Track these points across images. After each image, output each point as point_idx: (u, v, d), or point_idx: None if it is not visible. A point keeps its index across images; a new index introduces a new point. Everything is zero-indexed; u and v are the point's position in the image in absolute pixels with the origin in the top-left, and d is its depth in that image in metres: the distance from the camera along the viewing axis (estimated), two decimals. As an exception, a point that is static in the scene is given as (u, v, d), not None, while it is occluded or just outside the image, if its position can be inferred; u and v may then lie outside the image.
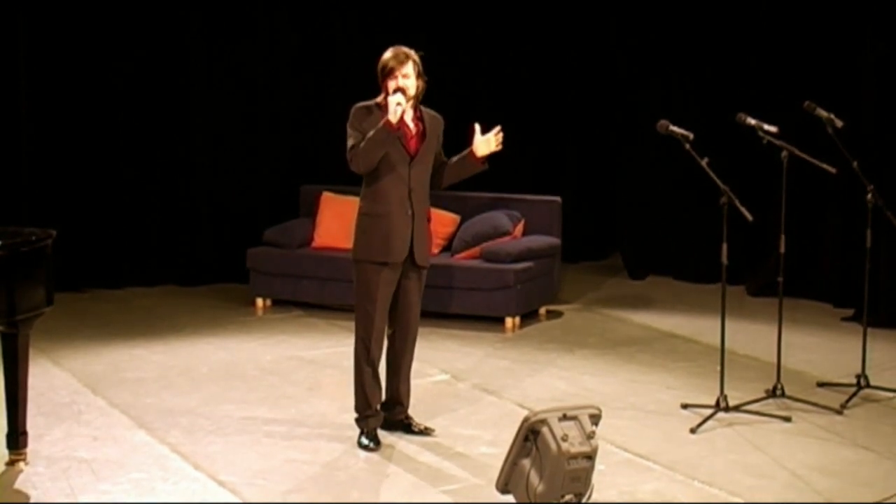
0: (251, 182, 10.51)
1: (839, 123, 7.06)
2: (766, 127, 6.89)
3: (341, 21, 10.75)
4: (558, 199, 9.58)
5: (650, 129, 7.03)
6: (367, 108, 6.15)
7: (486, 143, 6.17)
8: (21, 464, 5.82)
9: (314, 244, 9.68)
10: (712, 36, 10.50)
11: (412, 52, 6.14)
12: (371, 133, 6.00)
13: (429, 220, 6.30)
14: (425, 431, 6.42)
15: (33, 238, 5.71)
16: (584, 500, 5.25)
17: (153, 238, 10.34)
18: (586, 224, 11.50)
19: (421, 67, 6.14)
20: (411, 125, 6.19)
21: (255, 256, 9.59)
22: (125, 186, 10.19)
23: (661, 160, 10.40)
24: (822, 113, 7.09)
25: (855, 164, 7.06)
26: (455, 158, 6.32)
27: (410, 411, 6.49)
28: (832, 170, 7.04)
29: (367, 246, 6.16)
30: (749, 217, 6.47)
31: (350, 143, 6.09)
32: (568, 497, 5.17)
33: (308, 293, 9.41)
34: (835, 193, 9.45)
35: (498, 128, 6.19)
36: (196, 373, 7.67)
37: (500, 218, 9.37)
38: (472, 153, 6.22)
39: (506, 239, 9.23)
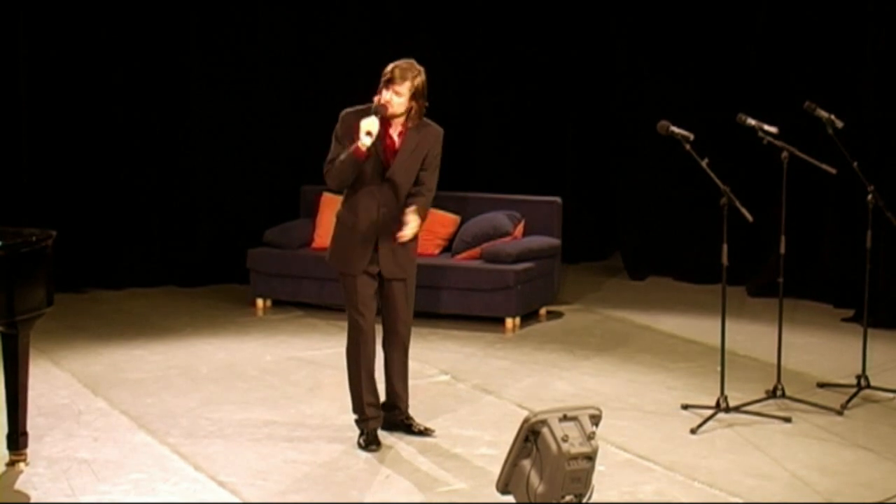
0: (251, 183, 10.51)
1: (839, 124, 7.06)
2: (767, 127, 6.90)
3: (342, 21, 10.74)
4: (558, 199, 9.58)
5: (650, 129, 7.03)
6: (357, 112, 6.06)
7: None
8: (21, 464, 5.82)
9: (314, 245, 9.67)
10: (712, 36, 10.49)
11: (416, 74, 6.02)
12: (343, 156, 5.98)
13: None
14: (426, 432, 6.42)
15: (33, 239, 5.71)
16: (584, 501, 5.25)
17: (153, 239, 10.34)
18: (586, 224, 11.50)
19: (421, 90, 6.04)
20: (395, 138, 6.13)
21: (255, 257, 9.59)
22: (125, 187, 10.18)
23: (661, 161, 10.41)
24: (823, 113, 7.09)
25: (855, 164, 7.06)
26: (410, 207, 6.12)
27: (411, 411, 6.49)
28: (832, 170, 7.04)
29: (333, 253, 6.25)
30: (749, 217, 6.46)
31: (329, 155, 6.09)
32: (568, 498, 5.17)
33: (308, 294, 9.41)
34: (835, 194, 9.45)
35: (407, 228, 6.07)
36: (196, 373, 7.67)
37: (500, 218, 9.36)
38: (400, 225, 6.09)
39: (506, 239, 9.23)
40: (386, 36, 10.53)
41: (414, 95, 6.04)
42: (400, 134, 6.14)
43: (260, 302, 9.59)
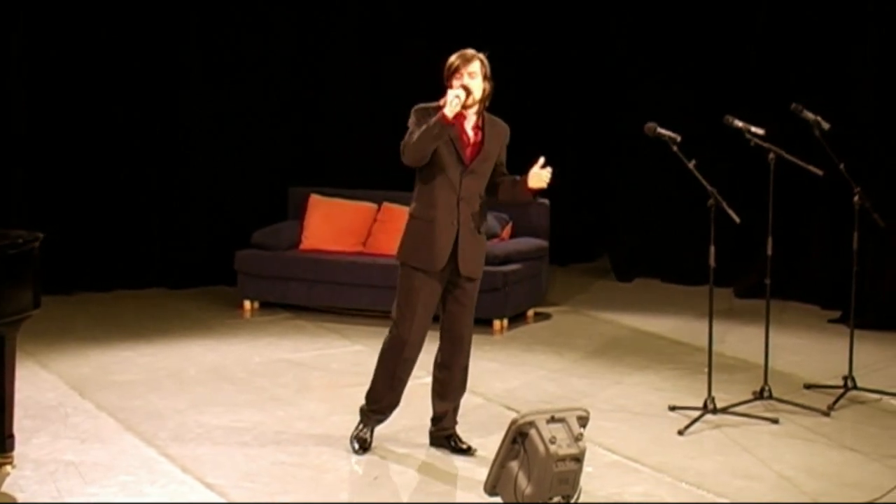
0: (239, 184, 10.47)
1: (826, 126, 7.08)
2: (754, 129, 6.91)
3: (336, 22, 10.71)
4: (546, 201, 9.57)
5: (638, 131, 7.03)
6: (427, 109, 5.94)
7: (538, 177, 6.00)
8: (8, 467, 5.79)
9: (302, 246, 9.67)
10: (711, 36, 10.48)
11: (480, 54, 5.97)
12: (425, 125, 5.84)
13: (480, 231, 6.11)
14: (468, 451, 6.21)
15: (20, 240, 5.68)
16: (571, 502, 5.26)
17: (142, 241, 10.30)
18: (574, 226, 11.50)
19: (489, 70, 5.96)
20: (470, 133, 6.02)
21: (243, 259, 9.57)
22: (114, 189, 10.15)
23: (649, 162, 10.41)
24: (809, 115, 7.11)
25: (842, 166, 7.08)
26: (515, 178, 6.14)
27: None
28: (819, 172, 7.06)
29: (409, 250, 6.05)
30: (736, 219, 6.48)
31: (406, 137, 5.92)
32: (556, 499, 5.17)
33: (296, 295, 9.39)
34: (822, 195, 9.46)
35: (549, 168, 6.03)
36: (184, 375, 7.66)
37: (488, 220, 9.35)
38: (524, 182, 6.05)
39: (494, 241, 9.22)
40: (385, 37, 10.51)
41: (485, 76, 5.94)
42: (475, 128, 6.02)
43: (247, 304, 9.57)
